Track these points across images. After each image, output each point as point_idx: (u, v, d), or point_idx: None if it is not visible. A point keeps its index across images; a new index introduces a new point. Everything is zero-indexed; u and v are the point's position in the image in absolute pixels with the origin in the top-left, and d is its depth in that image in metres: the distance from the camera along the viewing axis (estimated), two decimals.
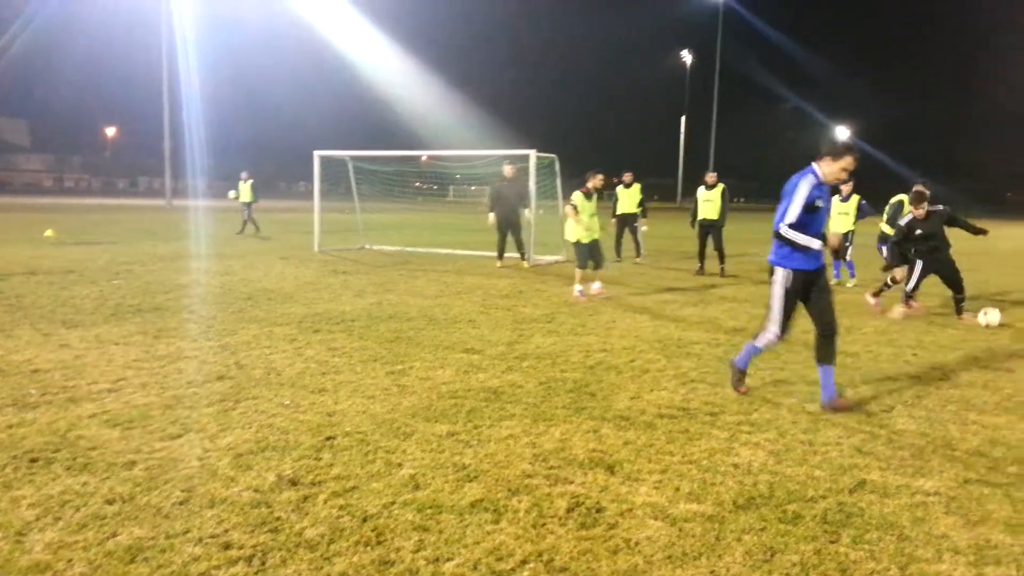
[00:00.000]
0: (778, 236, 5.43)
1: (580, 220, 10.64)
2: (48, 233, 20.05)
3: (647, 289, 12.25)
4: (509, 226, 15.19)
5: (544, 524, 3.56)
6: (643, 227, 17.07)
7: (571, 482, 4.08)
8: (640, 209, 16.88)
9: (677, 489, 4.01)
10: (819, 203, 5.40)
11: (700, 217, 14.65)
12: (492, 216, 15.15)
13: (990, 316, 9.21)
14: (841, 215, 13.43)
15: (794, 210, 5.34)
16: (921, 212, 9.56)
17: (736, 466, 4.37)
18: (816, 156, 5.56)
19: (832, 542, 3.46)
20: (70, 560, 3.15)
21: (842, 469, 4.37)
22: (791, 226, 5.36)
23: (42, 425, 4.81)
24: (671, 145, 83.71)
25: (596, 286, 11.12)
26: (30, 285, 10.99)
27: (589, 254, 10.81)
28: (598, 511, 3.72)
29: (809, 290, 5.58)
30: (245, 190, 22.93)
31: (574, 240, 10.82)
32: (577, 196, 10.74)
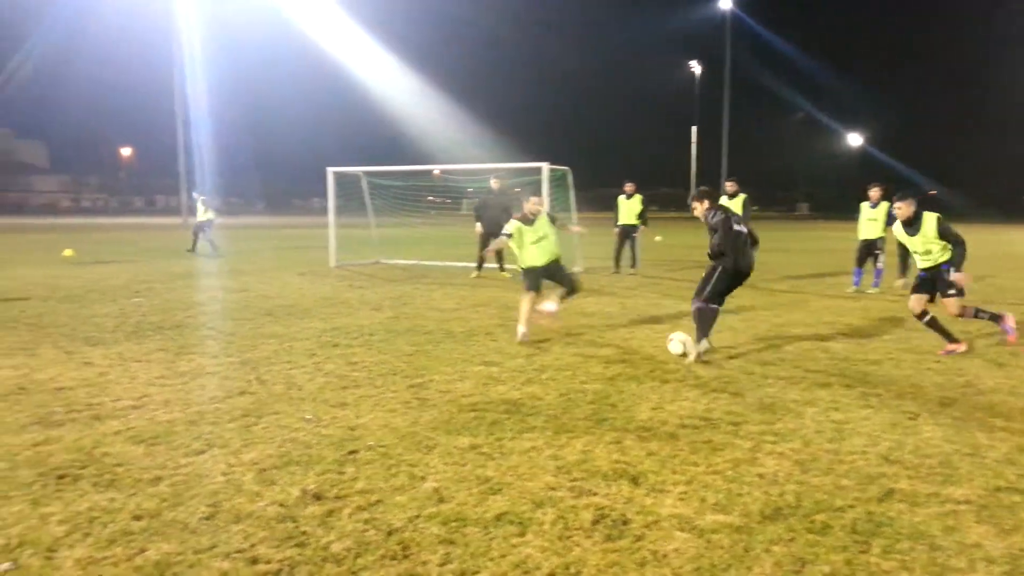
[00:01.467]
0: None
1: (522, 247, 8.91)
2: (67, 253, 20.24)
3: (664, 299, 12.21)
4: (492, 238, 15.28)
5: (570, 537, 3.55)
6: (657, 237, 17.02)
7: (595, 494, 4.06)
8: (640, 220, 16.73)
9: (703, 500, 3.99)
10: None
11: None
12: (479, 226, 15.43)
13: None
14: (870, 221, 13.34)
15: None
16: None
17: (762, 476, 4.34)
18: None
19: (863, 552, 3.42)
20: None
21: (869, 478, 4.33)
22: None
23: (68, 442, 4.85)
24: (682, 155, 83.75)
25: (549, 306, 9.10)
26: (51, 304, 11.09)
27: (546, 276, 9.06)
28: (624, 523, 3.70)
29: None
30: (202, 209, 23.11)
31: (525, 267, 8.99)
32: (513, 225, 8.91)
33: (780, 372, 6.96)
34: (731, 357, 7.62)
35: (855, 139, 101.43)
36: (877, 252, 13.26)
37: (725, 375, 6.84)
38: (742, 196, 14.48)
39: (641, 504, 3.93)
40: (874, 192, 13.40)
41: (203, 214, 22.83)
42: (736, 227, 8.28)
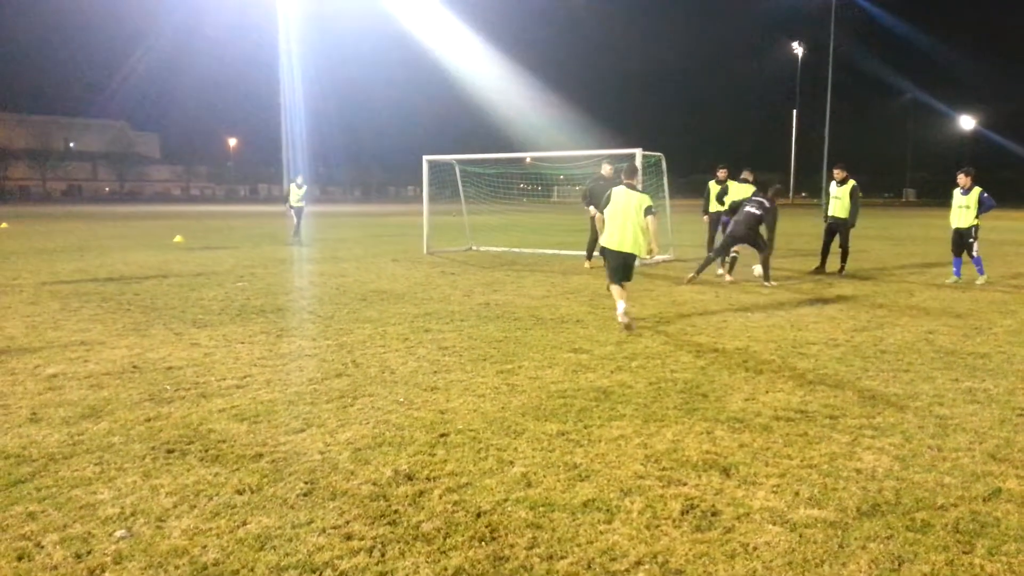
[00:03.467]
0: None
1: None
2: (177, 239, 21.33)
3: (759, 287, 11.90)
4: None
5: (658, 526, 3.52)
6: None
7: (685, 484, 4.01)
8: (722, 205, 16.02)
9: (797, 494, 3.88)
10: None
11: (828, 214, 14.04)
12: (593, 209, 15.00)
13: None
14: (961, 208, 12.62)
15: None
16: None
17: (859, 471, 4.20)
18: None
19: (965, 552, 3.27)
20: (204, 546, 3.34)
21: (975, 476, 4.12)
22: None
23: (176, 419, 5.12)
24: (783, 140, 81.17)
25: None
26: (162, 288, 11.71)
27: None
28: (714, 514, 3.65)
29: None
30: (297, 195, 22.82)
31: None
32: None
33: (881, 365, 6.70)
34: (830, 348, 7.38)
35: (968, 121, 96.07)
36: (971, 241, 12.55)
37: (823, 367, 6.63)
38: (851, 183, 13.84)
39: (732, 496, 3.86)
40: (963, 178, 12.64)
41: (297, 200, 22.73)
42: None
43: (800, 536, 3.42)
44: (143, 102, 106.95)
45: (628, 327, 8.26)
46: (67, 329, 8.26)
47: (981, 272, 12.67)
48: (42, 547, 3.33)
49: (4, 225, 29.43)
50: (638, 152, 15.92)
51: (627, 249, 8.51)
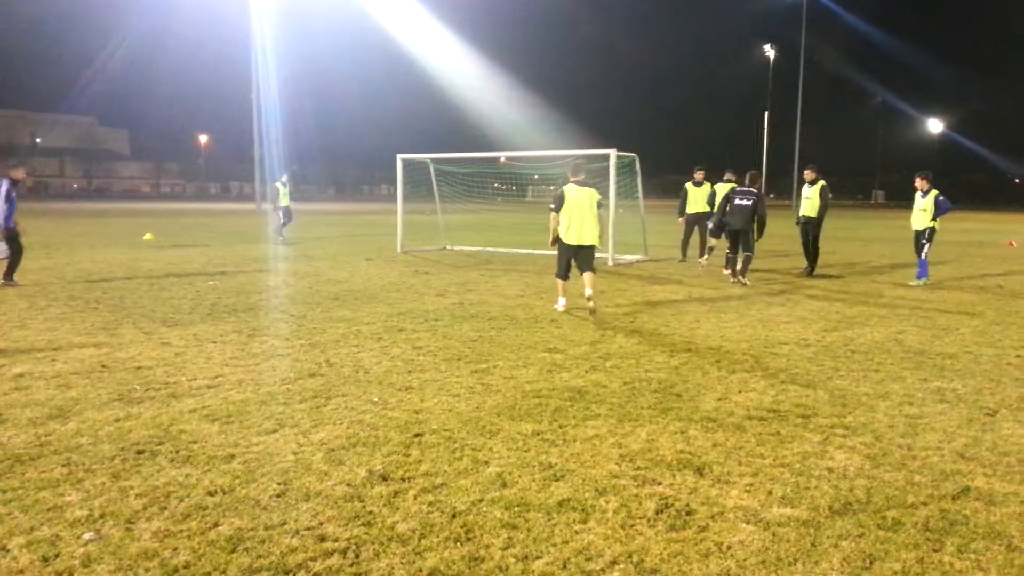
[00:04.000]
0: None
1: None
2: (147, 236, 21.02)
3: (732, 287, 12.00)
4: None
5: (633, 525, 3.54)
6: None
7: (659, 483, 4.03)
8: (710, 208, 16.22)
9: (770, 493, 3.92)
10: None
11: (801, 214, 14.21)
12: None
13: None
14: (919, 211, 12.81)
15: None
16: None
17: (831, 470, 4.25)
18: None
19: (935, 551, 3.32)
20: (175, 548, 3.29)
21: (944, 475, 4.19)
22: None
23: (147, 419, 5.05)
24: (754, 142, 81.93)
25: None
26: (131, 286, 11.54)
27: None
28: (688, 513, 3.67)
29: None
30: (283, 193, 22.26)
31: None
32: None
33: (852, 364, 6.78)
34: (801, 348, 7.46)
35: (936, 125, 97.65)
36: (924, 242, 12.74)
37: (794, 366, 6.70)
38: (820, 183, 14.02)
39: (706, 495, 3.89)
40: (920, 181, 12.83)
41: (284, 199, 22.04)
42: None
43: (773, 535, 3.45)
44: (113, 98, 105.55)
45: (593, 312, 9.25)
46: (33, 328, 8.11)
47: (921, 276, 12.74)
48: (7, 550, 3.27)
49: None
50: (612, 152, 15.99)
51: (588, 242, 9.40)
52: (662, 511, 3.69)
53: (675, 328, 8.50)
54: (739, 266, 12.77)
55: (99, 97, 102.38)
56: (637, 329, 8.41)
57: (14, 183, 11.18)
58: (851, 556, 3.25)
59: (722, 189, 15.88)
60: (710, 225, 14.20)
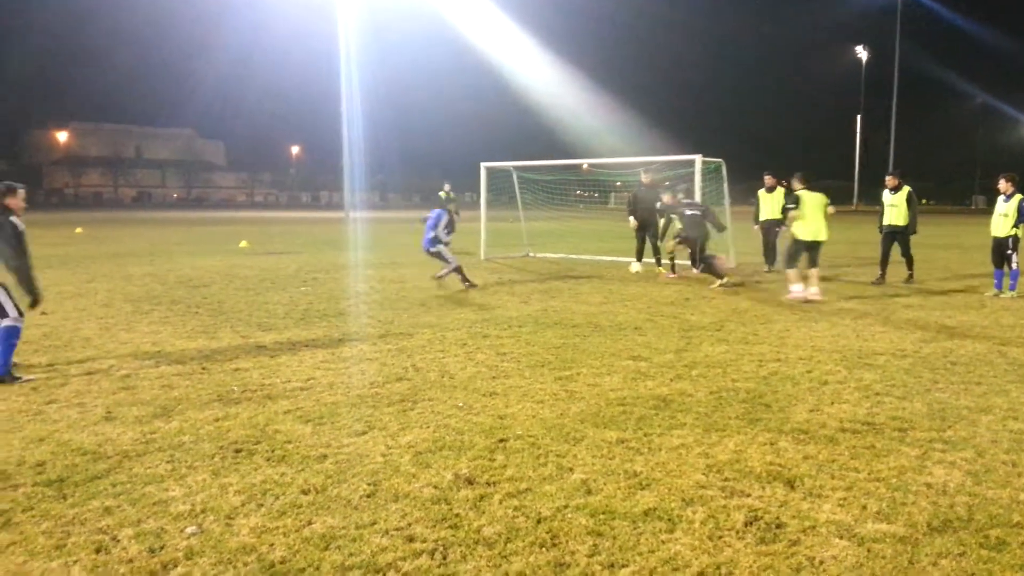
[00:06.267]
0: None
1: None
2: (243, 244, 21.87)
3: (824, 295, 11.63)
4: (646, 230, 15.45)
5: (721, 536, 3.48)
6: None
7: (748, 495, 3.96)
8: (783, 215, 15.63)
9: (864, 508, 3.79)
10: None
11: (885, 223, 13.54)
12: (633, 220, 15.50)
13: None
14: (1000, 216, 11.68)
15: None
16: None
17: (929, 486, 4.08)
18: None
19: None
20: (272, 544, 3.42)
21: None
22: None
23: (244, 419, 5.26)
24: (847, 146, 79.36)
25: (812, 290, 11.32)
26: (229, 291, 12.03)
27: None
28: (778, 526, 3.59)
29: None
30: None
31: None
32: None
33: (951, 377, 6.49)
34: (897, 359, 7.18)
35: None
36: (1009, 252, 11.57)
37: (890, 378, 6.45)
38: (906, 189, 13.38)
39: (797, 508, 3.79)
40: (1003, 183, 11.64)
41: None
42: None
43: (868, 551, 3.34)
44: (209, 111, 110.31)
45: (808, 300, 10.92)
46: (139, 331, 8.55)
47: (1013, 287, 11.60)
48: (118, 541, 3.46)
49: (79, 230, 30.59)
50: (698, 158, 15.75)
51: (821, 238, 11.44)
52: (751, 523, 3.62)
53: (763, 337, 8.32)
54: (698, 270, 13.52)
55: (197, 110, 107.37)
56: (724, 338, 8.26)
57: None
58: (951, 575, 3.12)
59: (768, 197, 15.46)
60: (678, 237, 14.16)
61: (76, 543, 3.43)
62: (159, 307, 10.36)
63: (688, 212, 13.66)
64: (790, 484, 4.11)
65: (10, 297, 6.41)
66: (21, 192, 6.59)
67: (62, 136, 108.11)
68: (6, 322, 6.31)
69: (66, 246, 22.07)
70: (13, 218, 6.37)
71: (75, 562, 3.26)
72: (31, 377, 6.39)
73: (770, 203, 15.61)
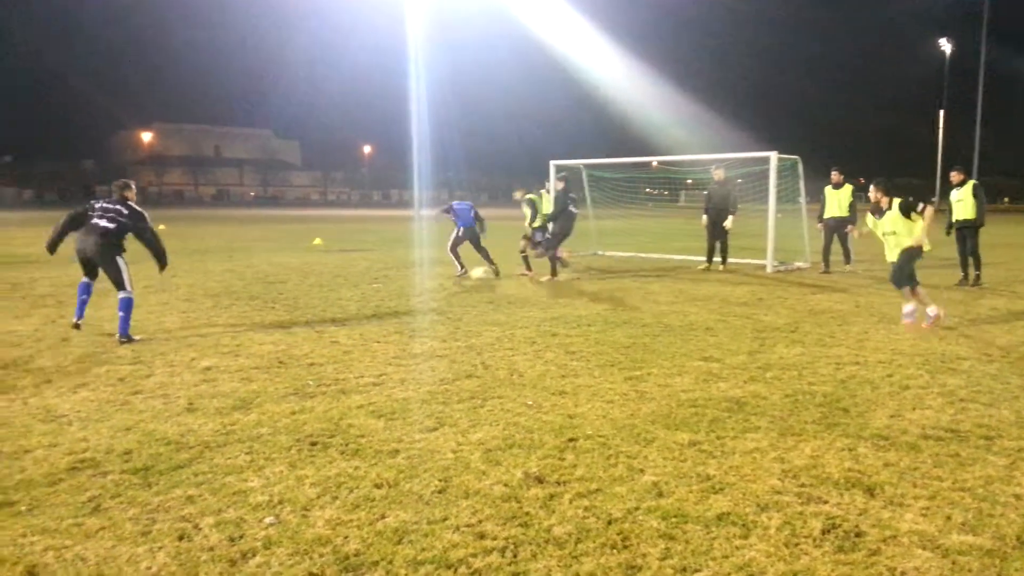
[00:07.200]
0: None
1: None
2: (316, 241, 22.35)
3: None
4: (715, 229, 15.35)
5: (798, 544, 3.40)
6: (855, 234, 15.05)
7: (825, 502, 3.85)
8: (850, 213, 14.94)
9: (948, 518, 3.65)
10: None
11: (954, 220, 12.94)
12: (705, 218, 15.47)
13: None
14: None
15: None
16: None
17: (1019, 497, 3.90)
18: None
19: None
20: (346, 536, 3.49)
21: None
22: None
23: (319, 413, 5.38)
24: (927, 142, 76.39)
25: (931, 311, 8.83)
26: (304, 287, 12.32)
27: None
28: (857, 535, 3.48)
29: None
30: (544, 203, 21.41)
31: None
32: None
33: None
34: (983, 363, 6.89)
35: None
36: None
37: (976, 383, 6.19)
38: (971, 183, 12.76)
39: (877, 517, 3.67)
40: None
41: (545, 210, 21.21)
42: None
43: (953, 563, 3.21)
44: (285, 112, 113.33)
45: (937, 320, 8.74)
46: (219, 325, 8.83)
47: None
48: (200, 529, 3.58)
49: (162, 227, 31.77)
50: (773, 155, 15.43)
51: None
52: (829, 531, 3.52)
53: (841, 339, 8.08)
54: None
55: (274, 112, 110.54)
56: (799, 340, 8.06)
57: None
58: None
59: (834, 193, 14.88)
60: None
61: (161, 530, 3.56)
62: (238, 302, 10.68)
63: (571, 208, 13.84)
64: (870, 492, 3.98)
65: (129, 273, 8.10)
66: (133, 187, 8.58)
67: (146, 136, 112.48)
68: (123, 294, 7.96)
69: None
70: (131, 203, 8.31)
71: (160, 548, 3.39)
72: (139, 338, 7.98)
73: (836, 200, 15.00)
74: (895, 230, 8.78)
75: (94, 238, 7.95)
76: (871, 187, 9.08)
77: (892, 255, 8.89)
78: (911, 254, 8.77)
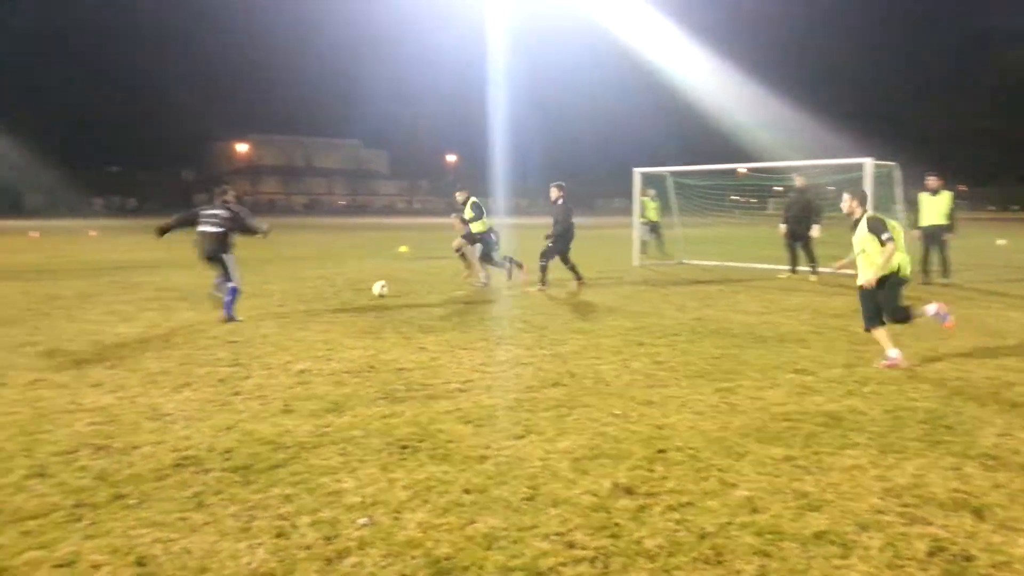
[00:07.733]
0: None
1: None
2: (402, 249, 22.77)
3: (1011, 310, 10.67)
4: (795, 237, 15.03)
5: (902, 566, 3.26)
6: (1000, 240, 14.29)
7: (930, 523, 3.69)
8: (949, 221, 14.07)
9: None
10: None
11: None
12: (783, 227, 15.21)
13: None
14: None
15: None
16: None
17: None
18: None
19: None
20: (438, 540, 3.53)
21: None
22: None
23: (408, 417, 5.47)
24: None
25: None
26: (390, 295, 12.54)
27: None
28: (966, 559, 3.32)
29: None
30: (653, 208, 20.84)
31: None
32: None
33: None
34: None
35: None
36: None
37: None
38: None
39: (987, 540, 3.49)
40: None
41: (652, 214, 20.64)
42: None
43: None
44: (373, 123, 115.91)
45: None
46: (312, 330, 9.09)
47: None
48: (296, 527, 3.69)
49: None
50: (868, 161, 14.88)
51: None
52: (935, 554, 3.37)
53: (943, 353, 7.73)
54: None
55: (363, 123, 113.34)
56: None
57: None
58: None
59: (931, 200, 14.14)
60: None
61: (260, 527, 3.69)
62: (330, 307, 10.97)
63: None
64: (978, 514, 3.79)
65: (237, 267, 9.68)
66: (231, 191, 10.42)
67: (242, 147, 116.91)
68: (231, 284, 9.61)
69: (244, 249, 23.81)
70: (230, 206, 9.94)
71: (259, 545, 3.51)
72: (242, 319, 9.59)
73: (933, 207, 14.27)
74: (864, 248, 7.44)
75: (206, 241, 9.61)
76: (844, 195, 7.75)
77: (863, 275, 7.46)
78: (880, 291, 7.37)
